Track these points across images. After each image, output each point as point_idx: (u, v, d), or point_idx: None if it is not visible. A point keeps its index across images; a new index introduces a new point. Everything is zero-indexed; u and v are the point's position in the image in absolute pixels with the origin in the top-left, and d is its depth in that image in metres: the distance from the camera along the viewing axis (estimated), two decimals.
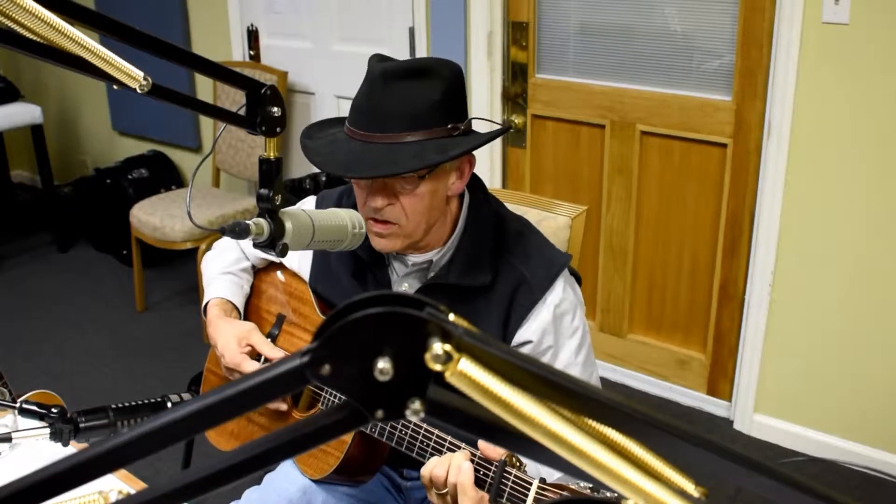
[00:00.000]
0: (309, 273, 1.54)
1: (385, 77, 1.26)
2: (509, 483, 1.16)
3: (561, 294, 1.38)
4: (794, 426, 2.70)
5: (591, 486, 1.01)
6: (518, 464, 1.19)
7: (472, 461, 1.19)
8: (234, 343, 1.45)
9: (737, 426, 2.81)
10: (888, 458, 2.54)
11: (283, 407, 1.49)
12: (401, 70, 1.27)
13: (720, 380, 2.88)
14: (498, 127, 1.42)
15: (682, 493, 0.41)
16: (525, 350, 1.34)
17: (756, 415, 2.77)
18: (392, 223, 1.32)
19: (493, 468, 1.18)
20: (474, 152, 1.33)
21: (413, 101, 1.26)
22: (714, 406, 2.91)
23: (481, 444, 1.19)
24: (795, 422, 2.70)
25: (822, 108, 2.40)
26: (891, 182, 2.35)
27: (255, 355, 1.45)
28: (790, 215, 2.53)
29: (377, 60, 1.30)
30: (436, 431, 1.29)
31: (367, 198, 1.31)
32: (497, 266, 1.38)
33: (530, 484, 1.15)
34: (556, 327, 1.38)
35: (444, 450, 1.27)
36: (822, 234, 2.50)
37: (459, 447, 1.25)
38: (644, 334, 3.04)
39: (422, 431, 1.30)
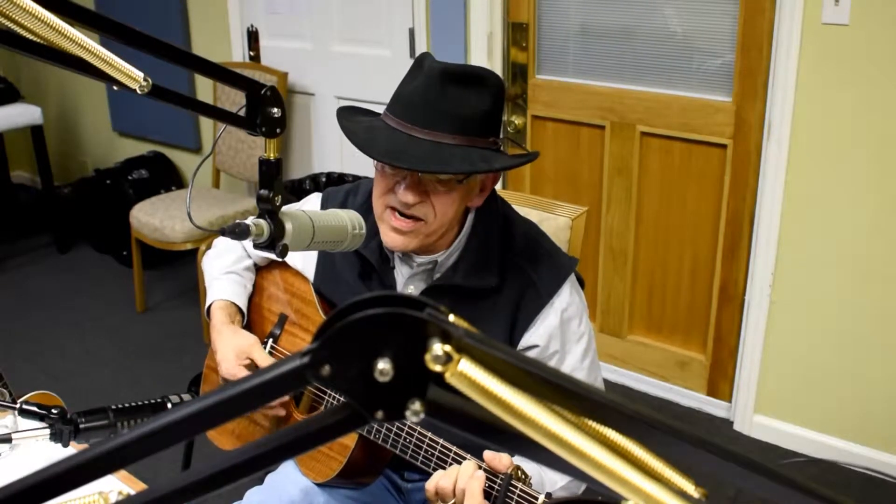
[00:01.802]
0: (313, 273, 1.54)
1: (444, 77, 1.26)
2: (514, 496, 1.16)
3: (568, 299, 1.38)
4: (794, 427, 2.70)
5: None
6: (524, 477, 1.18)
7: None
8: (232, 355, 1.45)
9: (737, 427, 2.81)
10: (888, 458, 2.54)
11: (282, 412, 1.48)
12: (460, 73, 1.27)
13: (720, 381, 2.88)
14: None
15: (682, 493, 0.41)
16: (531, 354, 1.33)
17: (756, 416, 2.77)
18: (418, 219, 1.31)
19: (498, 480, 1.17)
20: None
21: (466, 107, 1.27)
22: (714, 407, 2.91)
23: (487, 455, 1.19)
24: (795, 423, 2.70)
25: (822, 109, 2.40)
26: (891, 182, 2.35)
27: (253, 369, 1.45)
28: (790, 215, 2.53)
29: (432, 59, 1.31)
30: (440, 441, 1.28)
31: (396, 191, 1.30)
32: (504, 268, 1.38)
33: (535, 498, 1.14)
34: (562, 332, 1.37)
35: (450, 460, 1.26)
36: (822, 234, 2.50)
37: (465, 458, 1.24)
38: (644, 335, 3.04)
39: (426, 440, 1.29)
